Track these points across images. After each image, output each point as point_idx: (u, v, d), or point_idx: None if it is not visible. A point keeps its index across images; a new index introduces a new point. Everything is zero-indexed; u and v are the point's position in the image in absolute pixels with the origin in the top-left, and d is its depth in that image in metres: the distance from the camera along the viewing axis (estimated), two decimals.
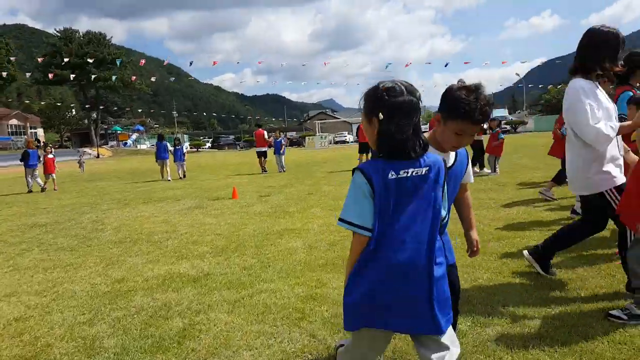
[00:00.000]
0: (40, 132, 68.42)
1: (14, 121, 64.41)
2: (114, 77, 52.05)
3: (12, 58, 46.38)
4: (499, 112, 59.07)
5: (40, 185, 13.76)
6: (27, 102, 68.12)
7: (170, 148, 15.99)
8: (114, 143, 68.27)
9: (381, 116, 1.62)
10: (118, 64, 55.89)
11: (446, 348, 1.71)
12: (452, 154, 2.13)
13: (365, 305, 1.65)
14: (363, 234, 1.62)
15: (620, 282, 3.26)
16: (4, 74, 42.19)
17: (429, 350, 1.71)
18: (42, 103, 62.48)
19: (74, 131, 71.35)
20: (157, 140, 17.00)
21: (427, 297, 1.64)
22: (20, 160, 14.20)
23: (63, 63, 50.96)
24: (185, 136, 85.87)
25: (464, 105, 1.89)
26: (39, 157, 14.46)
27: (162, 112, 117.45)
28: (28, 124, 67.48)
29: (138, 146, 64.81)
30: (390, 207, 1.61)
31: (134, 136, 72.58)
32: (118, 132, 75.16)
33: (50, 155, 14.50)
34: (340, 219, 1.67)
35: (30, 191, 13.63)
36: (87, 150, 55.63)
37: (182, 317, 3.20)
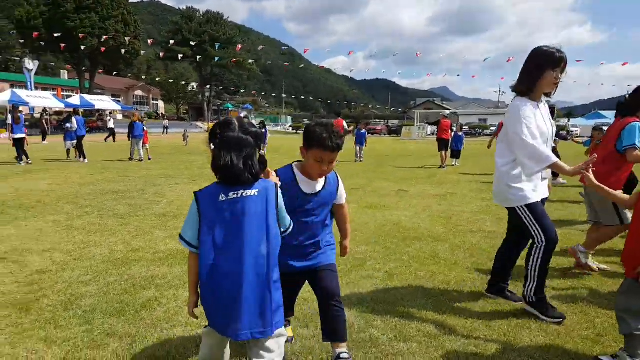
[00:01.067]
0: (160, 104, 75.33)
1: (139, 92, 71.60)
2: (223, 58, 55.47)
3: (138, 35, 51.42)
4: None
5: (140, 156, 15.41)
6: (153, 75, 75.07)
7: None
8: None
9: (212, 147, 1.92)
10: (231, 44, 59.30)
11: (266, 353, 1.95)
12: (321, 182, 2.51)
13: (206, 308, 1.96)
14: (191, 250, 1.97)
15: (605, 324, 3.15)
16: (130, 49, 46.98)
17: (252, 353, 1.97)
18: (163, 78, 68.54)
19: (191, 105, 77.67)
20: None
21: (255, 303, 1.89)
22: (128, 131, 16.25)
23: (182, 40, 55.49)
24: (289, 118, 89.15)
25: (317, 137, 2.33)
26: (143, 129, 16.09)
27: (274, 94, 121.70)
28: (151, 96, 74.62)
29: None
30: (225, 223, 1.88)
31: (242, 114, 76.87)
32: (229, 109, 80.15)
33: (145, 128, 16.15)
34: (180, 236, 1.99)
35: (130, 159, 15.38)
36: (199, 124, 60.18)
37: (156, 290, 3.69)
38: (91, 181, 10.07)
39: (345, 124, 17.14)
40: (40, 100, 31.40)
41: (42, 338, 2.89)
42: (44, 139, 25.31)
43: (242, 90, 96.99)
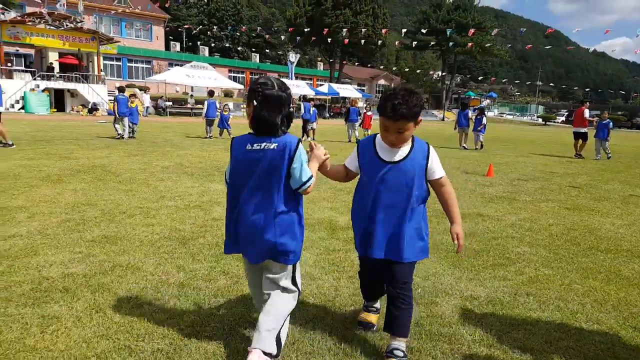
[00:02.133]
0: None
1: (382, 81, 75.39)
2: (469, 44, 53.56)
3: (386, 26, 54.01)
4: None
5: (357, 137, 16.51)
6: (402, 64, 77.81)
7: (471, 115, 16.11)
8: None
9: (254, 103, 2.19)
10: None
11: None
12: (403, 151, 2.35)
13: (230, 240, 2.38)
14: (226, 185, 2.41)
15: None
16: (377, 40, 49.64)
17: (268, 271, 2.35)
18: (408, 67, 70.46)
19: (432, 94, 78.02)
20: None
21: (260, 235, 2.25)
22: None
23: (429, 29, 55.82)
24: (540, 107, 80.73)
25: (380, 104, 2.32)
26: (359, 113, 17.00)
27: (528, 82, 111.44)
28: (393, 85, 77.68)
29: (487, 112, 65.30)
30: (244, 169, 2.26)
31: (485, 103, 73.36)
32: (471, 97, 77.40)
33: (369, 113, 17.10)
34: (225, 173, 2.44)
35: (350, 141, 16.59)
36: (435, 112, 60.02)
37: (134, 271, 3.42)
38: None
39: (587, 113, 14.50)
40: (297, 88, 36.19)
41: (178, 265, 3.55)
42: None
43: (491, 78, 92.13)
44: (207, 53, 54.42)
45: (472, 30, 41.49)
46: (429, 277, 3.60)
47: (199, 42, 59.97)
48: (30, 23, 26.42)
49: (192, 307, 2.90)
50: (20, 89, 26.18)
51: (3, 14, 26.75)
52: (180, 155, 10.44)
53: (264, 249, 2.24)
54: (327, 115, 41.47)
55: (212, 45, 62.91)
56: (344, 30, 43.64)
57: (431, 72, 67.77)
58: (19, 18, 26.92)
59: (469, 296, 3.26)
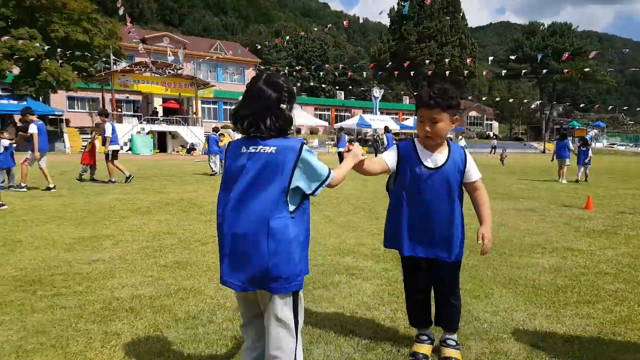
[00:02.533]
0: (494, 124, 74.72)
1: (473, 113, 73.11)
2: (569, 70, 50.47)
3: (474, 56, 52.72)
4: None
5: None
6: (494, 94, 75.08)
7: (572, 147, 14.94)
8: (569, 138, 66.33)
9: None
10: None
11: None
12: (443, 156, 2.46)
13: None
14: None
15: None
16: (465, 71, 48.65)
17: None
18: (501, 97, 67.65)
19: (530, 124, 73.77)
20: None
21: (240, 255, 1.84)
22: None
23: (522, 57, 53.63)
24: None
25: (417, 97, 2.50)
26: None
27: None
28: (484, 116, 74.96)
29: (593, 143, 60.28)
30: (234, 173, 1.89)
31: (592, 133, 67.89)
32: (575, 127, 72.16)
33: (462, 143, 16.63)
34: None
35: None
36: (535, 144, 56.77)
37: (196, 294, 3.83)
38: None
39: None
40: (380, 122, 36.28)
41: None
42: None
43: (594, 106, 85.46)
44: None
45: (566, 55, 39.05)
46: (499, 312, 3.31)
47: None
48: (137, 72, 29.50)
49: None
50: (128, 132, 29.06)
51: (115, 64, 30.21)
52: None
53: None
54: None
55: (300, 85, 65.62)
56: (428, 62, 43.35)
57: (526, 101, 64.56)
58: (127, 68, 30.19)
59: (543, 333, 2.94)
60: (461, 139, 30.62)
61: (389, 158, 2.50)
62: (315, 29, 60.77)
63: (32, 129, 9.47)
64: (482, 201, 2.51)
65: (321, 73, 61.45)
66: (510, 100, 63.12)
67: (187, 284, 3.80)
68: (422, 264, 2.52)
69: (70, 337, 2.79)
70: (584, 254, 5.04)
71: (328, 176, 1.91)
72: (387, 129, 17.77)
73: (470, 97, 77.00)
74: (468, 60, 47.79)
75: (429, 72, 42.89)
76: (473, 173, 2.49)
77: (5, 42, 24.33)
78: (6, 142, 9.29)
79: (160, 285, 3.76)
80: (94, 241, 5.25)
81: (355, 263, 4.52)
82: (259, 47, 46.03)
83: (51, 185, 9.57)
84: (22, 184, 9.47)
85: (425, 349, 2.59)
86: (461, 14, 53.58)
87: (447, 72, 42.99)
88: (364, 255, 4.82)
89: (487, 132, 65.56)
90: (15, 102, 26.30)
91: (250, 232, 1.81)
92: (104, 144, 11.24)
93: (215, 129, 15.85)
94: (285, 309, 1.87)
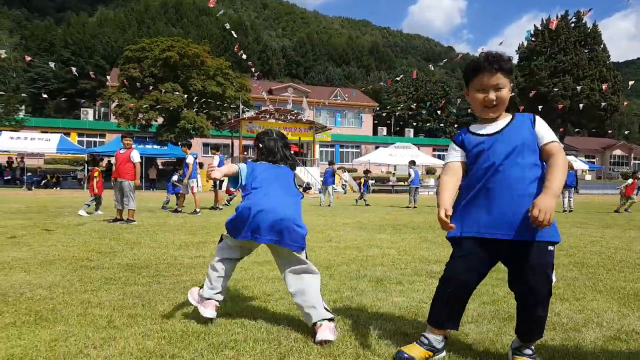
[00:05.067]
0: None
1: (617, 151, 65.71)
2: None
3: (617, 90, 47.77)
4: None
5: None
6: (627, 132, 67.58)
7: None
8: None
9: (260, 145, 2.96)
10: None
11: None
12: (502, 123, 2.20)
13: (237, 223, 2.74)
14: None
15: None
16: (604, 104, 44.29)
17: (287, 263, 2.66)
18: None
19: None
20: None
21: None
22: None
23: None
24: None
25: (470, 64, 2.22)
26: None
27: None
28: (632, 155, 66.87)
29: None
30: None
31: None
32: None
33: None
34: None
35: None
36: None
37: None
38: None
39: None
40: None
41: None
42: None
43: None
44: (412, 134, 56.69)
45: None
46: (585, 310, 3.04)
47: (407, 125, 63.13)
48: (262, 119, 32.08)
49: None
50: None
51: (244, 113, 33.25)
52: (363, 217, 10.99)
53: None
54: None
55: (419, 126, 65.38)
56: (561, 96, 40.49)
57: None
58: (254, 115, 33.02)
59: (629, 330, 2.63)
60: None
61: (454, 155, 2.28)
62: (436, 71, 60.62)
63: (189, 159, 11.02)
64: (554, 163, 2.06)
65: (439, 112, 60.53)
66: None
67: (270, 274, 4.09)
68: (488, 248, 2.14)
69: (159, 301, 3.20)
70: None
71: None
72: (412, 163, 16.65)
73: (613, 134, 69.75)
74: (613, 95, 43.54)
75: (559, 106, 39.57)
76: (546, 133, 2.13)
77: (152, 95, 28.33)
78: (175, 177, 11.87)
79: (247, 274, 4.11)
80: (201, 245, 5.85)
81: (438, 268, 4.46)
82: (370, 87, 47.18)
83: (198, 210, 10.76)
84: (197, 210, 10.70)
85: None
86: (602, 46, 49.46)
87: (581, 106, 39.45)
88: None
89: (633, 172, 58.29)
90: (158, 147, 30.26)
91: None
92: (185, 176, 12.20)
93: (330, 162, 16.59)
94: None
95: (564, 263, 4.96)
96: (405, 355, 2.17)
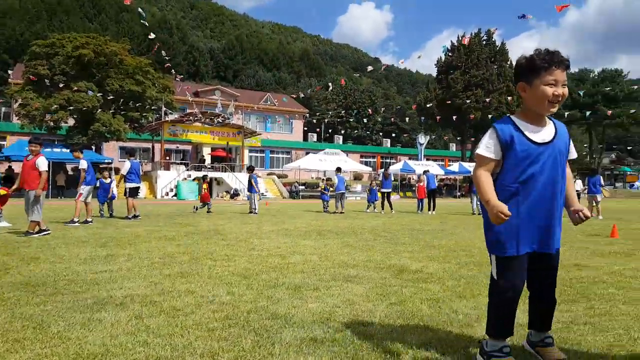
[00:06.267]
0: None
1: None
2: (619, 116, 48.68)
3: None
4: None
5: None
6: None
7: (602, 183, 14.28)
8: (619, 184, 64.00)
9: None
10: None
11: None
12: (550, 130, 2.19)
13: None
14: None
15: None
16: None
17: None
18: None
19: (579, 170, 71.18)
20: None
21: None
22: None
23: (571, 103, 52.46)
24: None
25: (542, 59, 2.09)
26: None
27: None
28: None
29: None
30: None
31: None
32: (627, 172, 69.76)
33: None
34: None
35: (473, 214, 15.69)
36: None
37: (188, 294, 3.90)
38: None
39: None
40: (423, 167, 35.99)
41: (229, 291, 3.64)
42: None
43: None
44: (341, 141, 57.72)
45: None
46: (480, 306, 3.18)
47: (336, 132, 64.14)
48: (187, 122, 31.13)
49: (221, 319, 2.96)
50: (175, 179, 30.33)
51: (167, 115, 32.07)
52: (290, 223, 10.92)
53: None
54: (458, 194, 40.35)
55: (348, 133, 66.72)
56: (472, 109, 43.12)
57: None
58: (177, 118, 31.96)
59: (515, 324, 2.79)
60: None
61: (488, 148, 2.19)
62: (366, 80, 62.11)
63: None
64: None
65: (365, 120, 62.17)
66: None
67: (182, 287, 3.88)
68: (533, 261, 2.22)
69: (53, 321, 2.90)
70: (590, 269, 4.98)
71: None
72: (338, 170, 17.30)
73: None
74: (518, 108, 47.15)
75: (472, 117, 42.39)
76: (573, 149, 2.27)
77: (62, 94, 26.40)
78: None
79: (157, 288, 3.85)
80: (108, 258, 5.45)
81: (355, 272, 4.51)
82: (302, 96, 47.57)
83: (89, 219, 10.11)
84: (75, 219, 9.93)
85: None
86: (509, 63, 53.45)
87: (490, 117, 42.31)
88: (367, 268, 4.80)
89: None
90: (68, 151, 28.29)
91: None
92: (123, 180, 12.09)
93: (250, 168, 16.27)
94: None
95: (465, 262, 5.29)
96: None
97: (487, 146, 2.17)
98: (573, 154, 2.24)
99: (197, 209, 15.34)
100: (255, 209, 14.77)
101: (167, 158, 33.44)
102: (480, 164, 2.19)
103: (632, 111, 53.14)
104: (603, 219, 12.91)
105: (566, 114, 57.15)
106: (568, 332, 2.73)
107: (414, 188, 34.21)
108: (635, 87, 56.61)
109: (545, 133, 2.15)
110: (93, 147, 29.80)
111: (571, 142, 2.25)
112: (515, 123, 2.16)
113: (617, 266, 5.11)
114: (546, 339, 2.32)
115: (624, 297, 3.66)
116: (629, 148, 74.83)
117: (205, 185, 16.88)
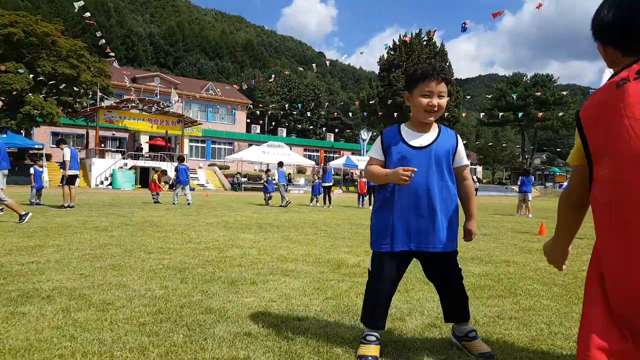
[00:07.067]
0: (478, 168, 75.90)
1: None
2: (549, 120, 52.07)
3: (458, 104, 54.31)
4: None
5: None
6: (482, 142, 77.01)
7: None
8: (549, 184, 68.00)
9: None
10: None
11: None
12: (432, 136, 2.37)
13: None
14: None
15: None
16: (450, 116, 49.87)
17: None
18: (482, 143, 69.24)
19: (513, 170, 75.44)
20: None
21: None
22: None
23: (505, 106, 55.52)
24: None
25: (420, 70, 2.33)
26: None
27: None
28: (469, 160, 76.19)
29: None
30: None
31: None
32: (557, 173, 74.23)
33: None
34: None
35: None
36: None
37: (119, 287, 3.97)
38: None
39: None
40: (365, 162, 36.82)
41: (163, 285, 3.61)
42: None
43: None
44: (285, 134, 57.61)
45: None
46: (412, 300, 3.45)
47: (279, 124, 63.90)
48: (123, 108, 29.88)
49: (153, 313, 2.93)
50: (110, 167, 29.07)
51: (103, 101, 30.62)
52: (230, 216, 10.85)
53: None
54: None
55: (291, 126, 66.66)
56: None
57: (504, 145, 66.24)
58: (114, 104, 30.59)
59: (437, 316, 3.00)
60: None
61: (376, 151, 2.45)
62: (311, 74, 62.45)
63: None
64: (470, 193, 2.45)
65: (309, 114, 62.59)
66: (490, 145, 64.69)
67: (113, 280, 3.80)
68: (408, 258, 2.41)
69: None
70: (518, 265, 5.20)
71: None
72: (280, 164, 17.71)
73: None
74: (455, 108, 49.17)
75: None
76: (464, 157, 2.42)
77: None
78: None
79: (87, 281, 3.75)
80: (36, 249, 5.22)
81: (294, 267, 4.58)
82: (246, 87, 47.04)
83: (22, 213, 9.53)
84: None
85: (374, 350, 2.34)
86: (447, 64, 55.54)
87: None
88: (306, 262, 4.88)
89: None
90: None
91: None
92: (62, 168, 11.52)
93: (180, 158, 15.96)
94: None
95: None
96: (370, 357, 2.26)
97: (374, 149, 2.47)
98: (463, 161, 2.40)
99: (157, 200, 15.51)
100: (187, 200, 14.55)
101: (102, 145, 31.94)
102: (370, 163, 2.46)
103: (561, 114, 56.91)
104: (533, 217, 13.77)
105: (500, 115, 60.63)
106: (494, 326, 2.87)
107: (356, 183, 34.85)
108: (564, 92, 60.76)
109: (424, 139, 2.34)
110: (22, 132, 27.94)
111: (461, 150, 2.39)
112: (399, 129, 2.39)
113: (543, 263, 5.32)
114: (470, 333, 2.42)
115: (548, 292, 3.86)
116: (558, 150, 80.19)
117: (156, 176, 16.62)
